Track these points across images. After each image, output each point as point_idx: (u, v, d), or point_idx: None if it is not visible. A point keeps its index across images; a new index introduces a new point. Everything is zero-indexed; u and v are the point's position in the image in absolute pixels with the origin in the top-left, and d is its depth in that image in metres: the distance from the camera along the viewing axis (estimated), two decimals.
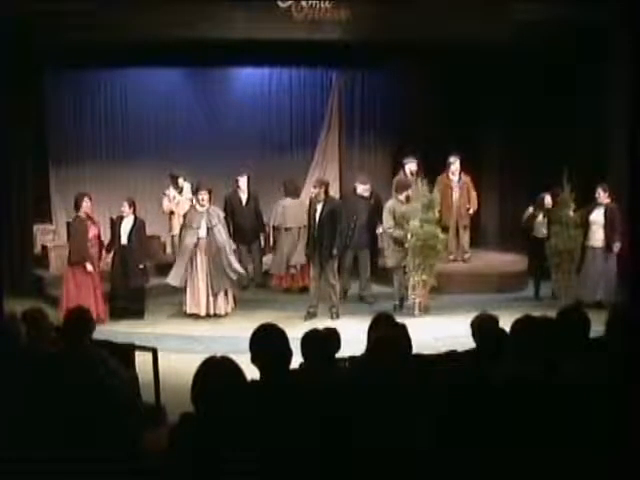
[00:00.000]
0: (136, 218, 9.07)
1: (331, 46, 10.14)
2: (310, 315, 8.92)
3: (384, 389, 3.30)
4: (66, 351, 4.16)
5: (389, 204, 9.31)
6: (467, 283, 10.06)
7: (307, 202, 9.33)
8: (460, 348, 4.57)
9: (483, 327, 4.21)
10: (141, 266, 9.01)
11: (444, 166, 10.63)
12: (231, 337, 7.96)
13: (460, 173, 10.60)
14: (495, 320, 4.24)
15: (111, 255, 9.15)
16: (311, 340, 3.90)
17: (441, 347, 5.23)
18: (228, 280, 9.03)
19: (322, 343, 3.94)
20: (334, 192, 10.71)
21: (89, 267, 8.65)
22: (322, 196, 8.96)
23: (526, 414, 3.11)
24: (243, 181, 10.34)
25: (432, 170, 10.76)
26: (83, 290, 8.64)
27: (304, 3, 9.54)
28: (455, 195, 10.52)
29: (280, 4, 9.49)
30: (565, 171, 8.95)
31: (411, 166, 10.43)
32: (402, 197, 9.26)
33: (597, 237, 9.21)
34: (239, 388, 3.06)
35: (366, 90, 12.77)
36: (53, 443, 3.27)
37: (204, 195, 9.06)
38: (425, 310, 9.08)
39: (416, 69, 11.63)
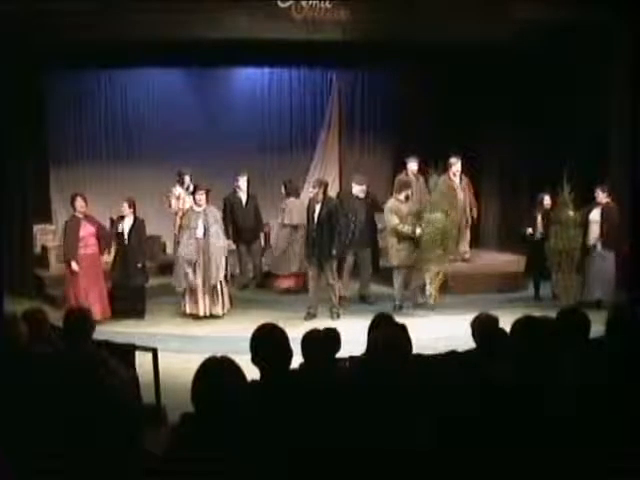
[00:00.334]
0: (136, 218, 9.08)
1: (331, 46, 10.13)
2: (310, 315, 8.93)
3: (384, 389, 3.30)
4: (66, 351, 4.16)
5: (390, 204, 9.30)
6: (467, 283, 10.07)
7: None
8: (460, 348, 4.57)
9: (483, 327, 4.21)
10: (139, 265, 9.01)
11: (444, 166, 10.62)
12: (231, 337, 7.96)
13: (461, 174, 10.59)
14: (495, 320, 4.24)
15: (112, 255, 9.17)
16: (311, 340, 3.90)
17: (441, 347, 5.23)
18: (215, 278, 9.01)
19: (322, 343, 3.94)
20: (334, 192, 10.71)
21: (74, 266, 8.66)
22: (321, 196, 8.97)
23: (526, 414, 3.11)
24: (243, 181, 10.34)
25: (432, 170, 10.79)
26: (90, 287, 8.70)
27: (304, 3, 9.53)
28: (460, 195, 10.48)
29: (280, 4, 9.48)
30: (565, 171, 8.96)
31: (412, 165, 10.46)
32: (402, 197, 9.26)
33: (596, 236, 9.22)
34: (239, 388, 3.06)
35: (366, 90, 12.78)
36: (53, 443, 3.27)
37: (201, 195, 9.07)
38: (437, 302, 9.23)
39: (416, 69, 11.63)
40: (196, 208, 9.12)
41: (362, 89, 12.79)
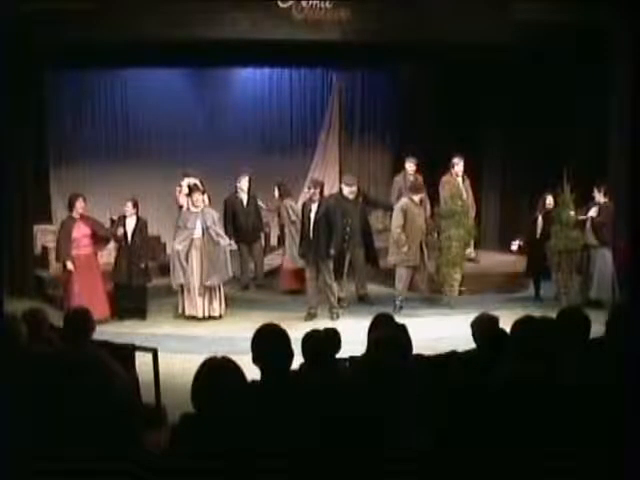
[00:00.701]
0: (139, 218, 9.08)
1: (331, 46, 10.13)
2: (310, 315, 8.92)
3: (384, 389, 3.30)
4: (66, 351, 4.16)
5: (401, 203, 9.32)
6: (467, 283, 10.06)
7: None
8: (460, 348, 4.57)
9: (483, 327, 4.21)
10: (142, 265, 9.01)
11: (444, 166, 10.62)
12: (231, 337, 7.96)
13: (464, 174, 10.56)
14: (495, 320, 4.24)
15: (113, 255, 9.19)
16: (311, 340, 3.90)
17: (441, 347, 5.23)
18: (218, 278, 9.01)
19: (322, 343, 3.94)
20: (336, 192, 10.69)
21: (69, 265, 8.68)
22: (317, 196, 8.97)
23: (526, 414, 3.11)
24: (244, 182, 10.33)
25: (432, 170, 10.78)
26: (87, 288, 8.68)
27: (304, 3, 9.54)
28: (463, 196, 10.33)
29: (280, 4, 9.49)
30: (565, 171, 8.96)
31: (410, 166, 10.45)
32: (417, 199, 9.26)
33: (593, 236, 9.24)
34: (239, 388, 3.06)
35: (366, 90, 12.79)
36: (53, 443, 3.27)
37: (198, 196, 9.06)
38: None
39: (416, 69, 11.65)
40: (193, 209, 9.10)
41: (362, 89, 12.79)
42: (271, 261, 10.89)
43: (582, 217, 9.22)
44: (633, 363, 3.55)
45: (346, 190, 9.59)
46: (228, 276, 9.14)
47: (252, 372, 3.40)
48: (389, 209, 9.97)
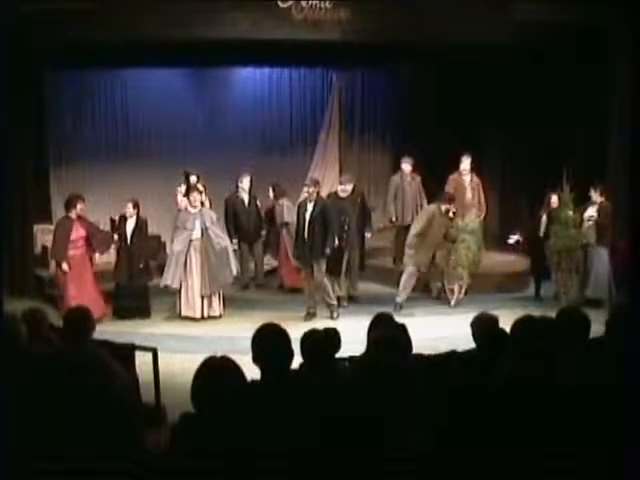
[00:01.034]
0: (139, 218, 9.11)
1: (331, 46, 10.13)
2: (310, 315, 8.92)
3: (384, 389, 3.30)
4: (66, 351, 4.16)
5: (431, 208, 9.37)
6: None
7: None
8: (460, 348, 4.57)
9: (483, 327, 4.21)
10: (142, 265, 9.05)
11: (444, 166, 10.62)
12: (231, 337, 7.96)
13: (472, 173, 10.48)
14: (495, 320, 4.24)
15: (114, 255, 9.22)
16: (311, 340, 3.90)
17: (441, 347, 5.23)
18: (222, 280, 9.01)
19: (322, 343, 3.94)
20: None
21: (65, 267, 8.73)
22: (314, 196, 8.96)
23: (526, 414, 3.11)
24: (246, 182, 10.33)
25: (432, 170, 10.78)
26: (80, 288, 8.73)
27: (304, 3, 9.54)
28: (468, 195, 10.36)
29: (280, 4, 9.49)
30: (565, 171, 8.96)
31: (406, 166, 10.42)
32: (444, 208, 9.25)
33: (591, 235, 9.25)
34: (239, 388, 3.06)
35: (366, 90, 12.78)
36: (53, 443, 3.27)
37: (196, 196, 9.05)
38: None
39: (416, 69, 11.64)
40: (191, 209, 9.08)
41: (362, 89, 12.79)
42: (270, 261, 10.88)
43: (585, 215, 9.24)
44: (633, 363, 3.55)
45: (339, 189, 9.60)
46: (231, 278, 9.13)
47: (252, 372, 3.40)
48: (368, 213, 9.95)
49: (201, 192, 9.20)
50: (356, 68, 12.24)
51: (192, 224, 8.98)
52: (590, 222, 9.23)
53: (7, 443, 3.07)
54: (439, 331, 8.22)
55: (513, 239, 9.80)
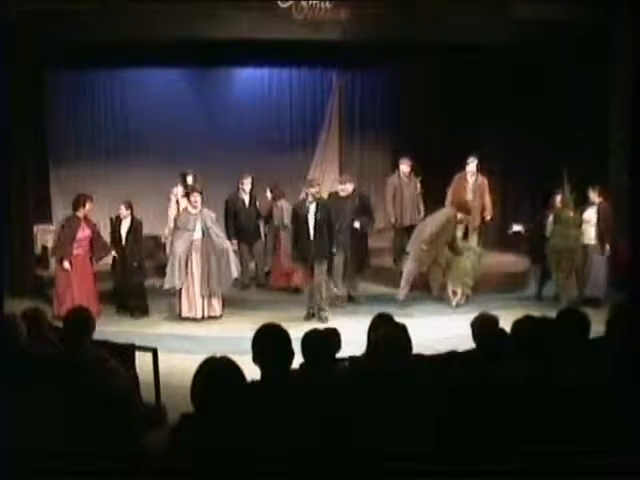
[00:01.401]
0: (133, 219, 9.22)
1: (331, 46, 10.13)
2: (310, 315, 8.91)
3: (384, 389, 3.30)
4: (66, 351, 4.16)
5: (450, 212, 9.41)
6: None
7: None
8: (460, 348, 4.57)
9: (483, 327, 4.21)
10: (135, 264, 9.16)
11: (444, 166, 10.61)
12: (231, 337, 7.95)
13: (477, 174, 10.39)
14: (495, 320, 4.24)
15: (112, 255, 9.29)
16: (311, 340, 3.89)
17: (441, 347, 5.23)
18: (223, 281, 9.01)
19: (322, 343, 3.94)
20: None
21: (66, 265, 8.84)
22: (318, 195, 8.94)
23: (526, 414, 3.12)
24: (247, 183, 10.33)
25: (431, 170, 10.77)
26: (73, 287, 8.85)
27: (304, 3, 9.54)
28: (468, 196, 10.23)
29: (280, 4, 9.49)
30: (565, 171, 8.96)
31: (404, 167, 10.39)
32: (460, 218, 9.34)
33: (589, 235, 9.27)
34: (239, 388, 3.06)
35: (366, 90, 12.78)
36: (53, 443, 3.27)
37: (197, 197, 9.04)
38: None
39: (416, 69, 11.63)
40: (192, 210, 9.08)
41: (362, 89, 12.79)
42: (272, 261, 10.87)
43: (585, 215, 9.24)
44: (633, 363, 3.56)
45: (339, 188, 9.61)
46: (232, 279, 9.14)
47: (252, 372, 3.40)
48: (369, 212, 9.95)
49: (201, 192, 9.20)
50: (356, 68, 12.23)
51: (193, 225, 8.97)
52: (590, 222, 9.23)
53: (7, 443, 3.07)
54: (439, 331, 8.22)
55: (515, 229, 9.76)
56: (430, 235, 9.20)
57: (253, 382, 3.38)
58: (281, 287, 10.10)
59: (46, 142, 11.18)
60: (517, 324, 3.86)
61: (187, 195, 9.43)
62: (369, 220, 9.72)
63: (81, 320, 4.24)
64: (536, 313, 4.16)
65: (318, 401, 3.32)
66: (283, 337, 3.55)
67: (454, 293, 9.50)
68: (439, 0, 9.72)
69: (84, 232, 8.97)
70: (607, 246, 9.22)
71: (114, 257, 9.26)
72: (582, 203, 9.34)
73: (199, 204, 9.02)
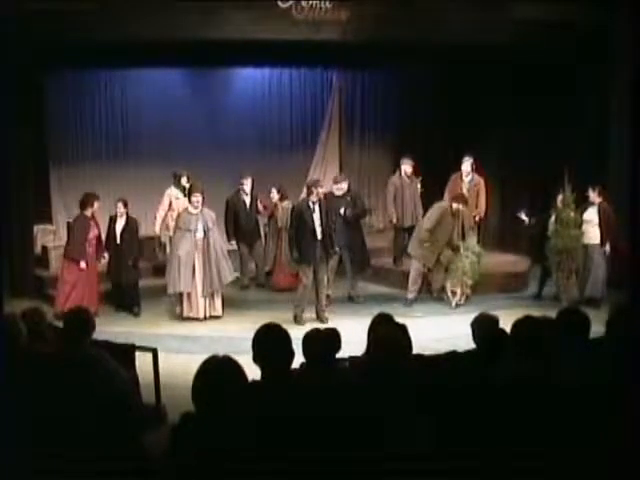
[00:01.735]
0: (128, 218, 9.31)
1: (331, 46, 10.12)
2: (299, 318, 8.81)
3: (384, 389, 3.30)
4: (66, 351, 4.16)
5: (443, 205, 9.40)
6: None
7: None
8: (460, 348, 4.57)
9: (483, 327, 4.21)
10: (130, 263, 9.23)
11: (444, 166, 10.60)
12: (232, 337, 7.96)
13: (473, 174, 10.39)
14: (495, 320, 4.24)
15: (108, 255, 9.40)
16: (312, 340, 3.89)
17: (441, 347, 5.23)
18: (223, 280, 9.01)
19: (323, 343, 3.94)
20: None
21: (82, 265, 8.94)
22: (322, 195, 8.94)
23: (526, 414, 3.12)
24: (248, 183, 10.33)
25: (431, 170, 10.77)
26: (79, 286, 8.94)
27: (304, 3, 9.54)
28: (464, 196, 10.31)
29: (280, 4, 9.49)
30: (565, 171, 8.96)
31: (406, 167, 10.38)
32: (455, 207, 9.32)
33: (589, 235, 9.27)
34: (239, 388, 3.06)
35: (366, 90, 12.78)
36: (52, 443, 3.27)
37: (198, 197, 9.03)
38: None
39: (416, 69, 11.62)
40: (193, 210, 9.07)
41: (362, 89, 12.78)
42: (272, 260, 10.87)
43: (585, 215, 9.24)
44: (633, 363, 3.56)
45: (335, 188, 9.61)
46: (231, 277, 9.15)
47: (253, 372, 3.40)
48: (365, 213, 9.94)
49: (203, 192, 9.20)
50: (356, 68, 12.23)
51: (195, 225, 8.97)
52: (590, 222, 9.23)
53: (7, 442, 3.07)
54: (439, 331, 8.22)
55: (521, 215, 9.75)
56: (427, 230, 9.22)
57: (254, 382, 3.38)
58: (284, 288, 10.05)
59: (46, 142, 11.17)
60: (517, 324, 3.86)
61: (188, 195, 9.42)
62: (360, 212, 9.65)
63: (81, 320, 4.24)
64: (536, 313, 4.17)
65: (318, 401, 3.32)
66: (283, 337, 3.55)
67: (454, 293, 9.51)
68: (439, 0, 9.72)
69: (94, 231, 9.13)
70: (607, 246, 9.25)
71: (110, 255, 9.34)
72: (582, 203, 9.34)
73: (200, 204, 9.01)
